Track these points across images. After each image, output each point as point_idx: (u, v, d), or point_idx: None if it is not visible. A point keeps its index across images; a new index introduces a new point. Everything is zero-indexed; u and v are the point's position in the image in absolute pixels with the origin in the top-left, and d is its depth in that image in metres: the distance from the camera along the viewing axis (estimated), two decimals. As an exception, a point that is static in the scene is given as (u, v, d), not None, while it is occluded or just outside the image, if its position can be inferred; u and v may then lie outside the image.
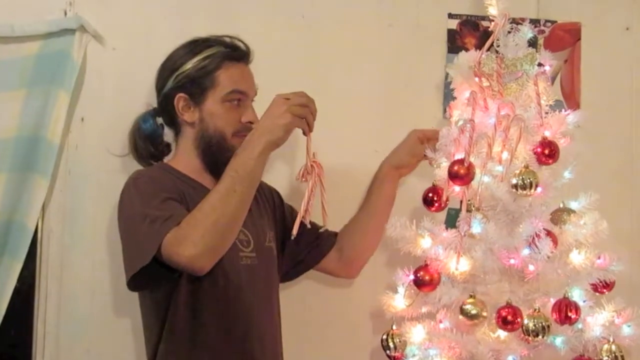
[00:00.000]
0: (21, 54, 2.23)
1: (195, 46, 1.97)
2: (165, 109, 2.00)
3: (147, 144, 2.05)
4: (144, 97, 2.21)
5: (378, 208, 2.13)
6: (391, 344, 1.95)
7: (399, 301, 1.99)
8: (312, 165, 1.87)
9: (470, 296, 1.87)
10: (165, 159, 2.07)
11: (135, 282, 1.84)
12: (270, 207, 2.12)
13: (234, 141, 1.92)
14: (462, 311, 1.87)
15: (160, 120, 2.05)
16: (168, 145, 2.07)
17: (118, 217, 1.91)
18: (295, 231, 1.86)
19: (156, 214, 1.78)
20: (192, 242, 1.71)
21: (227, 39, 1.99)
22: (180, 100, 1.95)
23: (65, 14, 2.26)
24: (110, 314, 2.27)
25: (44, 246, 2.26)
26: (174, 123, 2.01)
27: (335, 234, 2.17)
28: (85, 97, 2.27)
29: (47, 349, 2.25)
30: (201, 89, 1.93)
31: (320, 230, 1.88)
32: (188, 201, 1.86)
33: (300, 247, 2.12)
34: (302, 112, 1.82)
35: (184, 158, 1.99)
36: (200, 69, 1.93)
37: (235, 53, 1.96)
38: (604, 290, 1.94)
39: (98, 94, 2.28)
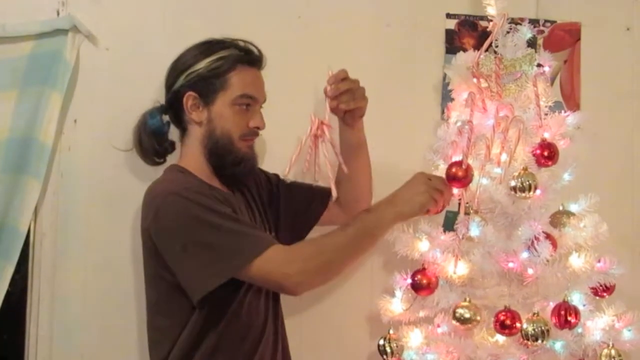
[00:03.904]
0: (13, 54, 2.21)
1: (209, 46, 1.96)
2: (173, 106, 1.98)
3: (152, 140, 2.03)
4: (137, 98, 2.19)
5: (350, 154, 2.05)
6: (388, 349, 1.95)
7: (396, 305, 1.98)
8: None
9: (465, 300, 1.86)
10: (174, 160, 2.04)
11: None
12: (267, 194, 2.12)
13: (240, 145, 1.92)
14: (455, 315, 1.85)
15: (166, 117, 2.04)
16: (172, 144, 2.05)
17: (179, 230, 1.80)
18: (334, 193, 1.86)
19: (242, 229, 1.80)
20: (302, 269, 1.79)
21: (241, 43, 1.98)
22: (189, 99, 1.94)
23: (58, 14, 2.24)
24: (104, 317, 2.25)
25: (36, 249, 2.24)
26: (180, 121, 1.99)
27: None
28: (78, 98, 2.25)
29: (40, 353, 2.23)
30: (212, 89, 1.92)
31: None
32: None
33: (298, 204, 2.12)
34: (437, 197, 1.88)
35: (192, 159, 1.96)
36: (212, 70, 1.92)
37: (249, 57, 1.96)
38: (604, 294, 1.94)
39: (91, 95, 2.26)
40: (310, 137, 1.88)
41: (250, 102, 1.94)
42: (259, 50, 1.99)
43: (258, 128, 1.95)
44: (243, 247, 1.77)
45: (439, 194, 1.87)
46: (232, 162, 1.92)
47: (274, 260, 1.76)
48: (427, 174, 1.91)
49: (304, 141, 1.87)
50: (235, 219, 1.82)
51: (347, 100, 1.92)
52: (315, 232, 2.11)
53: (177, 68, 1.96)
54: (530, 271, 1.84)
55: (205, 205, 1.80)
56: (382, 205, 1.87)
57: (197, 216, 1.78)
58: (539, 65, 2.01)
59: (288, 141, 1.85)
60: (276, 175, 2.16)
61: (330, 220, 2.14)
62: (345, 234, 1.84)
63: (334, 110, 1.93)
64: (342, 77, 1.92)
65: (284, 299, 2.05)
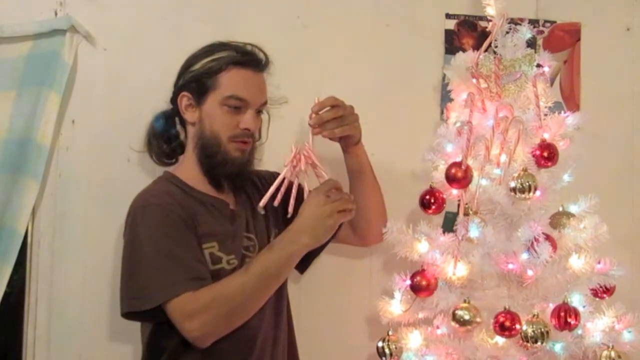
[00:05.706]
0: (11, 54, 2.20)
1: (211, 48, 1.96)
2: (174, 107, 1.99)
3: (159, 142, 2.05)
4: (135, 99, 2.19)
5: (353, 180, 2.06)
6: (387, 350, 1.93)
7: (396, 306, 1.97)
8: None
9: (465, 301, 1.85)
10: (172, 167, 2.05)
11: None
12: (282, 204, 2.09)
13: (230, 146, 1.91)
14: (455, 317, 1.84)
15: (177, 120, 2.04)
16: (182, 145, 2.04)
17: (128, 244, 1.86)
18: (262, 203, 1.86)
19: (174, 267, 1.78)
20: (202, 324, 1.75)
21: (247, 47, 1.98)
22: (183, 99, 1.95)
23: (56, 14, 2.24)
24: (101, 318, 2.24)
25: (34, 250, 2.24)
26: (182, 123, 2.01)
27: None
28: (76, 99, 2.25)
29: (38, 354, 2.23)
30: (203, 89, 1.92)
31: None
32: (197, 224, 1.86)
33: None
34: (344, 206, 1.84)
35: (186, 161, 1.97)
36: (205, 70, 1.92)
37: (243, 58, 1.94)
38: (604, 296, 1.93)
39: (89, 96, 2.26)
40: (290, 169, 1.87)
41: (240, 104, 1.91)
42: (265, 54, 1.98)
43: (248, 130, 1.92)
44: (157, 287, 1.77)
45: (343, 204, 1.83)
46: (220, 163, 1.91)
47: (178, 312, 1.76)
48: (321, 189, 1.85)
49: (283, 173, 1.87)
50: (168, 256, 1.79)
51: (332, 127, 1.90)
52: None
53: (181, 70, 1.98)
54: (530, 272, 1.83)
55: (152, 228, 1.82)
56: (287, 242, 1.82)
57: (136, 239, 1.83)
58: (538, 65, 2.00)
59: (285, 144, 1.85)
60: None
61: (344, 241, 2.14)
62: (249, 279, 1.79)
63: (328, 137, 1.91)
64: (329, 104, 1.89)
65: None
